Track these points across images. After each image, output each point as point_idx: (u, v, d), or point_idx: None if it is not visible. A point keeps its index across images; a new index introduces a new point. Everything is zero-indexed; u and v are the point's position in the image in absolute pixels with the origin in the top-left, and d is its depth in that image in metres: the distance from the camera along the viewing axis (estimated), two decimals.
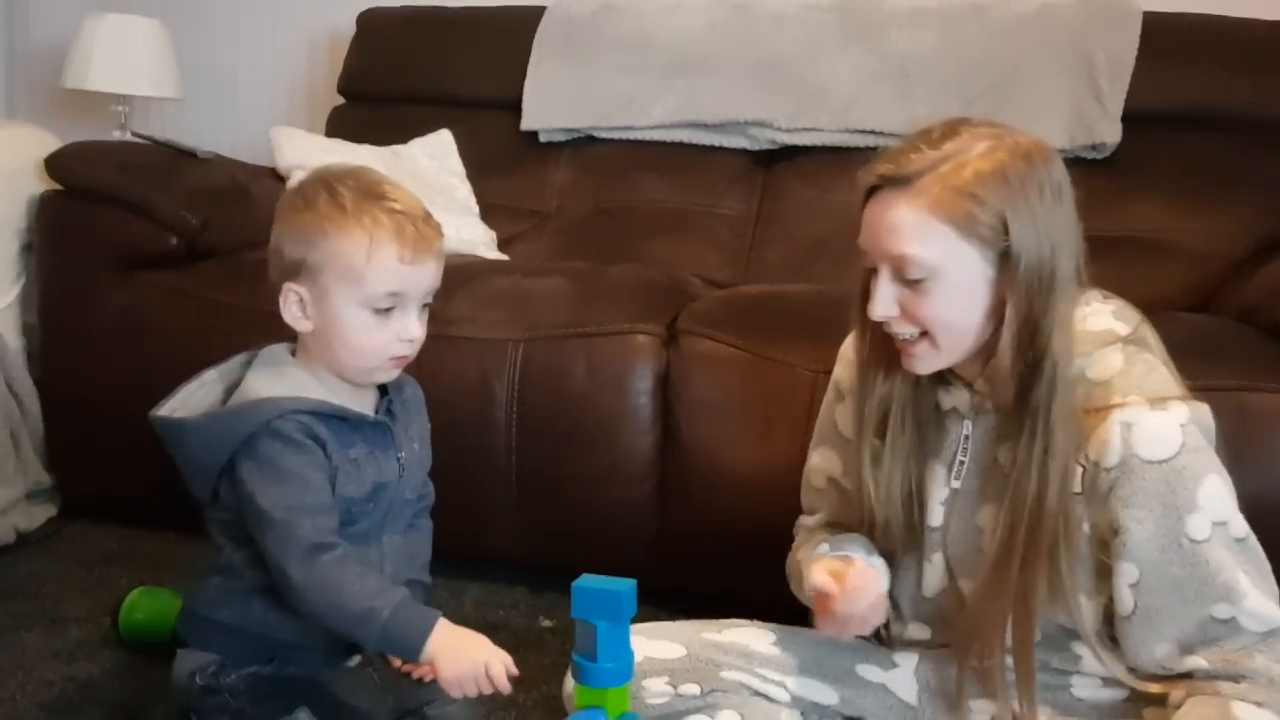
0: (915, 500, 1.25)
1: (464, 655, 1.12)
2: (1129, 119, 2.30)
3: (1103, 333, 1.15)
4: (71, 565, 1.96)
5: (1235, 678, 1.09)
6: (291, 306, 1.20)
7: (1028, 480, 1.12)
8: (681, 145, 2.57)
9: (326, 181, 1.20)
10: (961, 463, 1.22)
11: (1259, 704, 1.07)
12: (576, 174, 2.63)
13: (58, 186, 2.16)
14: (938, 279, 1.11)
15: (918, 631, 1.29)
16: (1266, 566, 1.12)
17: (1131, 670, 1.18)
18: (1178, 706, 1.11)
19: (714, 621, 1.35)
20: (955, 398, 1.22)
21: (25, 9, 3.30)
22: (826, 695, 1.28)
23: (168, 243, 2.09)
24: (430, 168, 2.56)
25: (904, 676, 1.28)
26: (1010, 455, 1.15)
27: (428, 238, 1.19)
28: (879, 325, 1.18)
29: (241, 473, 1.17)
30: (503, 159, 2.66)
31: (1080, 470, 1.12)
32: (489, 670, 1.12)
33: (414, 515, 1.35)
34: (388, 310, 1.19)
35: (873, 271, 1.16)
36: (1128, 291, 2.27)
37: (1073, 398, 1.11)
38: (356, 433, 1.22)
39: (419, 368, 1.88)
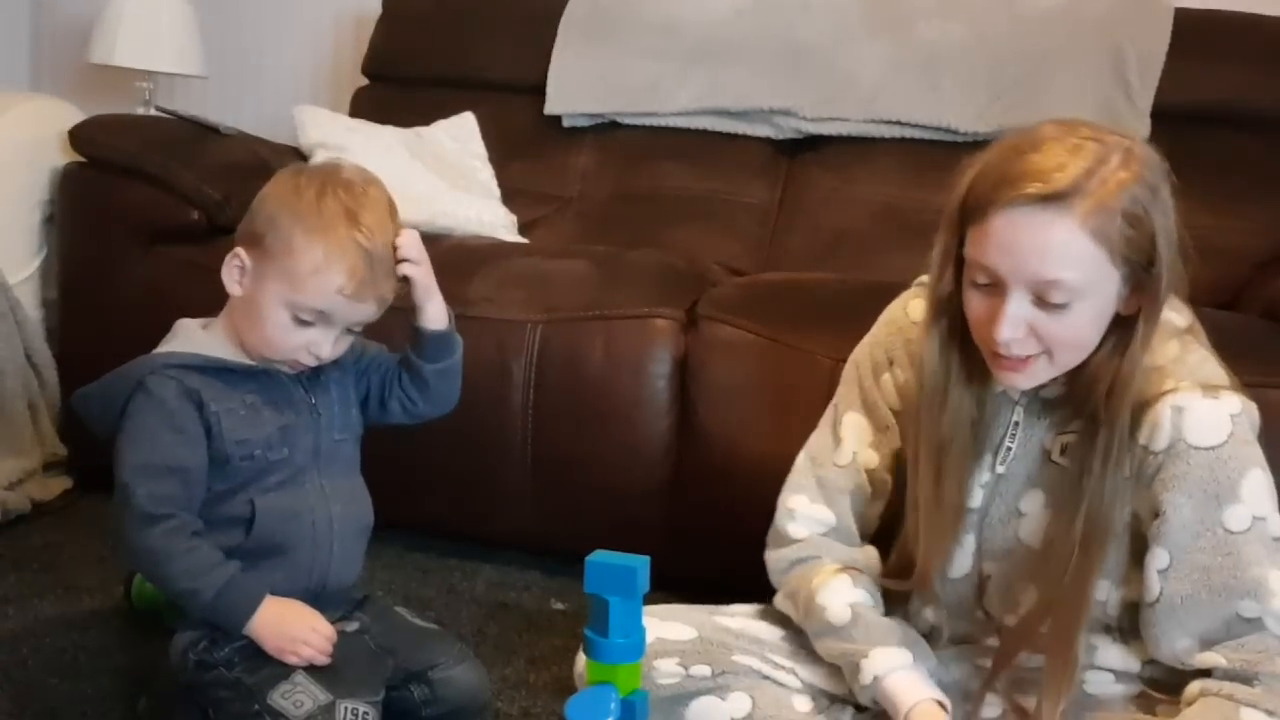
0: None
1: (284, 631, 1.18)
2: (1158, 115, 2.28)
3: (1164, 322, 1.13)
4: (85, 536, 1.97)
5: (1250, 680, 1.07)
6: (233, 269, 1.23)
7: (1102, 491, 1.10)
8: (705, 132, 2.55)
9: (324, 180, 1.21)
10: (1009, 449, 1.19)
11: (1270, 713, 1.05)
12: (599, 159, 2.62)
13: (80, 159, 2.16)
14: (1079, 301, 1.06)
15: (932, 615, 1.27)
16: None
17: (1148, 664, 1.16)
18: (1189, 703, 1.10)
19: (726, 607, 1.35)
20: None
21: None
22: (837, 685, 1.27)
23: (189, 217, 2.09)
24: (453, 150, 2.56)
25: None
26: (1077, 456, 1.12)
27: (377, 284, 1.20)
28: (967, 337, 1.14)
29: (117, 431, 1.21)
30: (526, 143, 2.65)
31: (1131, 455, 1.11)
32: (308, 642, 1.19)
33: (435, 374, 1.34)
34: (309, 323, 1.20)
35: (984, 286, 1.09)
36: None
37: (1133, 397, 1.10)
38: (249, 379, 1.24)
39: None
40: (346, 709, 1.17)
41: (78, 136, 2.15)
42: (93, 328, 2.14)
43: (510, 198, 2.53)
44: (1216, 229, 2.18)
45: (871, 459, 1.28)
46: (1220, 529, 1.08)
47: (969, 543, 1.23)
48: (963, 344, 1.16)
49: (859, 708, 1.26)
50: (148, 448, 1.19)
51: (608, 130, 2.64)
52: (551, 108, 2.64)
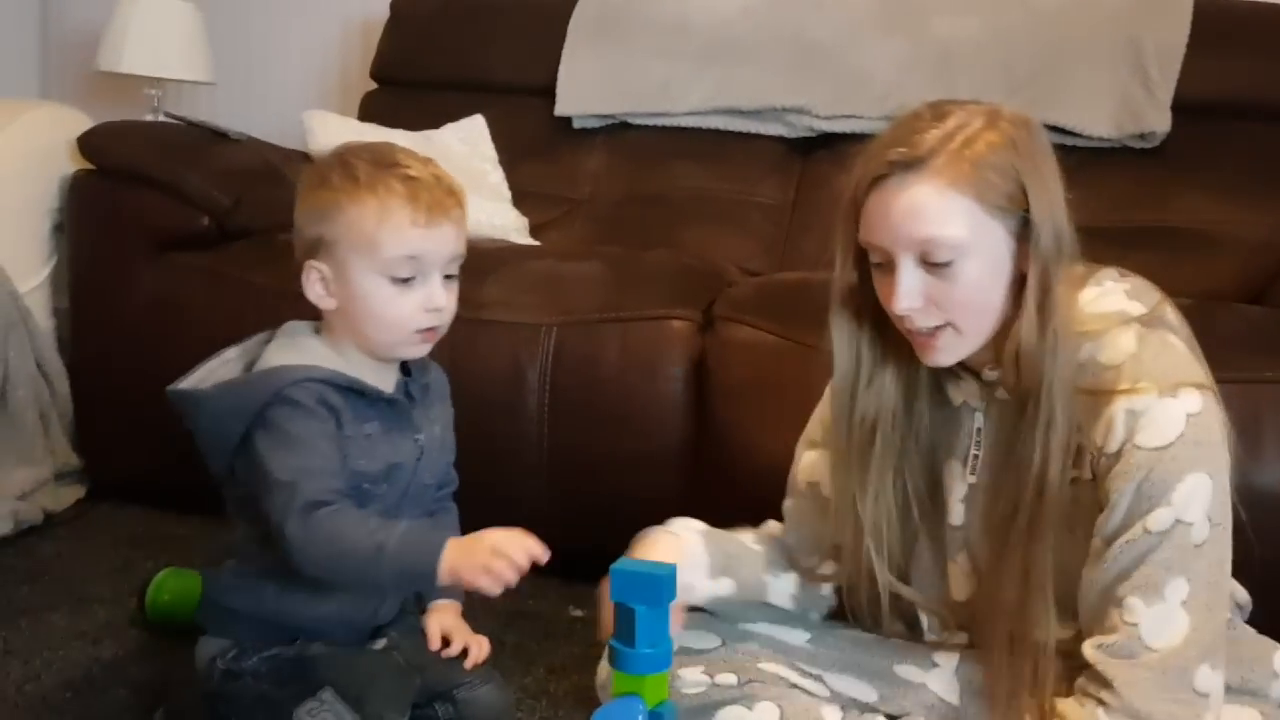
0: (930, 503, 1.22)
1: (476, 556, 1.07)
2: (1178, 108, 2.26)
3: (1114, 313, 1.10)
4: (98, 547, 1.95)
5: (1104, 687, 1.04)
6: (314, 284, 1.19)
7: (1032, 454, 1.08)
8: (717, 132, 2.54)
9: (342, 157, 1.20)
10: (976, 456, 1.18)
11: None
12: (610, 161, 2.60)
13: (89, 166, 2.15)
14: (965, 259, 1.07)
15: (958, 637, 1.26)
16: (1220, 593, 1.05)
17: None
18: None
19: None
20: (964, 390, 1.18)
21: None
22: (865, 692, 1.25)
23: (199, 223, 2.08)
24: (462, 153, 2.54)
25: (945, 676, 1.24)
26: (1007, 426, 1.12)
27: (443, 204, 1.17)
28: (874, 325, 1.15)
29: (255, 442, 1.16)
30: (536, 145, 2.63)
31: (1090, 457, 1.08)
32: (502, 551, 1.06)
33: (436, 501, 1.34)
34: (408, 280, 1.17)
35: (880, 266, 1.11)
36: (1178, 283, 2.20)
37: (1073, 374, 1.08)
38: (372, 408, 1.20)
39: (451, 351, 1.86)
40: None
41: (86, 144, 2.14)
42: (104, 336, 2.12)
43: (521, 200, 2.52)
44: (1241, 223, 2.17)
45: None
46: (1142, 527, 1.04)
47: (963, 561, 1.20)
48: (876, 332, 1.16)
49: (891, 716, 1.23)
50: (308, 453, 1.14)
51: (618, 131, 2.62)
52: (561, 109, 2.62)
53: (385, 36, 2.85)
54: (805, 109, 2.46)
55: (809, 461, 1.31)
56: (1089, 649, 1.06)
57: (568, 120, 2.63)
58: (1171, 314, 1.13)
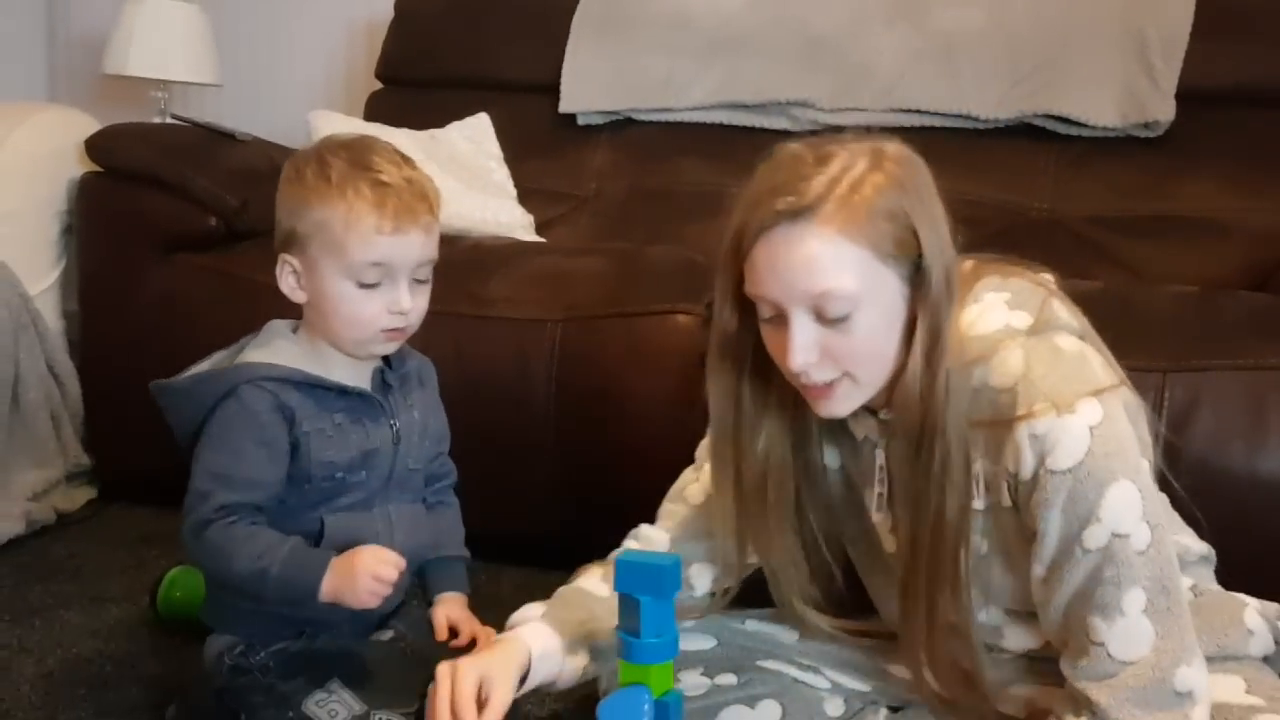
0: (863, 532, 1.22)
1: (355, 580, 1.12)
2: (1182, 97, 2.25)
3: (997, 333, 1.06)
4: (111, 546, 1.97)
5: (1080, 711, 1.04)
6: (287, 277, 1.22)
7: (927, 494, 1.07)
8: (721, 126, 2.54)
9: (320, 153, 1.21)
10: (881, 494, 1.17)
11: None
12: (615, 157, 2.60)
13: (98, 168, 2.16)
14: (860, 310, 1.03)
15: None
16: (1176, 590, 1.03)
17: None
18: None
19: (736, 613, 1.32)
20: (864, 426, 1.17)
21: None
22: (862, 685, 1.25)
23: (206, 223, 2.09)
24: (468, 151, 2.55)
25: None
26: (913, 467, 1.09)
27: (412, 210, 1.18)
28: (756, 374, 1.13)
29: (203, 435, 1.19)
30: (541, 142, 2.64)
31: (1006, 484, 1.06)
32: (375, 573, 1.13)
33: (435, 494, 1.36)
34: (375, 283, 1.19)
35: (770, 320, 1.07)
36: (1183, 271, 2.20)
37: (968, 405, 1.05)
38: (340, 399, 1.22)
39: (458, 347, 1.88)
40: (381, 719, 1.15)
41: (94, 146, 2.15)
42: (113, 337, 2.14)
43: (526, 197, 2.52)
44: (1245, 210, 2.16)
45: None
46: (1079, 549, 1.02)
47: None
48: (758, 381, 1.14)
49: (892, 708, 1.24)
50: (231, 459, 1.17)
51: (623, 127, 2.62)
52: (566, 106, 2.63)
53: (390, 36, 2.86)
54: (809, 102, 2.46)
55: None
56: (1066, 668, 1.06)
57: (572, 117, 2.64)
58: (1061, 310, 1.09)
